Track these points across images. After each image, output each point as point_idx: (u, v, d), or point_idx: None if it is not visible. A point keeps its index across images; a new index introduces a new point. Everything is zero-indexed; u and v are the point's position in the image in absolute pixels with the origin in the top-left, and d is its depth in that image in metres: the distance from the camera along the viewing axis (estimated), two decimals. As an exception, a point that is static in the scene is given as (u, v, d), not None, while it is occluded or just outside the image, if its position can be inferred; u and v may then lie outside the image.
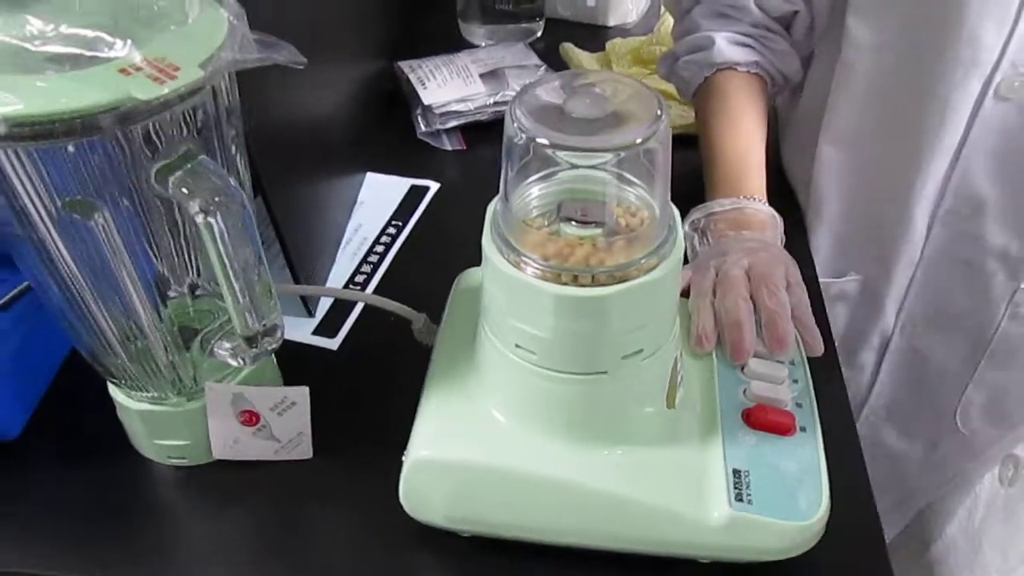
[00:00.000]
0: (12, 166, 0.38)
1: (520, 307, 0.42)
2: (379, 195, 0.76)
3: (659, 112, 0.38)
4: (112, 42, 0.38)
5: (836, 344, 0.63)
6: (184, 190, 0.39)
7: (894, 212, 0.68)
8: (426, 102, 0.82)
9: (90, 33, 0.38)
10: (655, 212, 0.41)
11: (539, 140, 0.38)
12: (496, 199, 0.44)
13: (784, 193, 0.75)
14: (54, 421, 0.57)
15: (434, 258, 0.70)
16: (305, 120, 0.68)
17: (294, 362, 0.58)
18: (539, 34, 1.00)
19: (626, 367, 0.43)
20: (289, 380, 0.58)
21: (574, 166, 0.41)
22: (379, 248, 0.71)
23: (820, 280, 0.68)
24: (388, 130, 0.85)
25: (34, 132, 0.35)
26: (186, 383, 0.50)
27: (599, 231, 0.41)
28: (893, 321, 0.75)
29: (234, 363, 0.47)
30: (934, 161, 0.64)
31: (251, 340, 0.44)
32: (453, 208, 0.76)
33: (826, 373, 0.55)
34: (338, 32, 0.76)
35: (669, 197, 0.41)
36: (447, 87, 0.83)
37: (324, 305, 0.66)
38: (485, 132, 0.84)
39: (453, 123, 0.83)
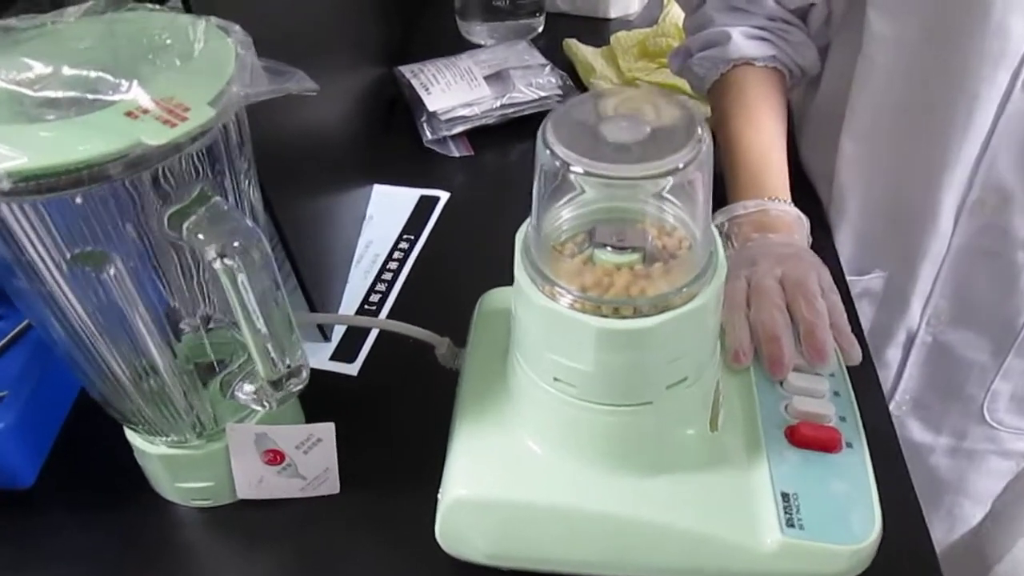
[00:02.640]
0: (17, 220, 0.35)
1: (558, 340, 0.40)
2: (388, 208, 0.74)
3: (700, 131, 0.36)
4: (116, 83, 0.36)
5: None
6: (200, 236, 0.37)
7: (919, 206, 0.66)
8: (431, 108, 0.80)
9: (92, 74, 0.36)
10: (696, 237, 0.39)
11: (574, 168, 0.36)
12: (526, 224, 0.42)
13: (804, 189, 0.73)
14: (70, 466, 0.55)
15: (450, 272, 0.68)
16: (308, 134, 0.66)
17: (313, 390, 0.56)
18: (540, 30, 0.98)
19: (670, 396, 0.41)
20: (309, 409, 0.56)
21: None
22: (392, 264, 0.69)
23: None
24: (392, 139, 0.83)
25: (39, 186, 0.33)
26: (206, 425, 0.48)
27: (637, 256, 0.39)
28: (919, 316, 0.73)
29: (258, 408, 0.45)
30: (961, 154, 0.62)
31: (276, 383, 0.42)
32: (465, 218, 0.74)
33: (862, 378, 0.53)
34: (334, 39, 0.74)
35: (711, 219, 0.39)
36: (451, 91, 0.81)
37: (340, 328, 0.64)
38: (492, 136, 0.82)
39: (459, 128, 0.80)
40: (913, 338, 0.74)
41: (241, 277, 0.37)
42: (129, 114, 0.35)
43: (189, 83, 0.37)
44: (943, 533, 0.85)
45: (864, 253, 0.72)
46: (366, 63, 0.82)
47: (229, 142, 0.40)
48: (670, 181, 0.36)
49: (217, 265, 0.36)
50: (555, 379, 0.41)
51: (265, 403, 0.44)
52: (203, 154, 0.38)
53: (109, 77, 0.36)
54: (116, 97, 0.35)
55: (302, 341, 0.43)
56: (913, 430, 0.80)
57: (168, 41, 0.39)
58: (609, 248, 0.40)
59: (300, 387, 0.43)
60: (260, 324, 0.38)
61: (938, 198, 0.65)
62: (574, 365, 0.40)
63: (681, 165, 0.36)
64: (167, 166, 0.37)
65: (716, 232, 0.41)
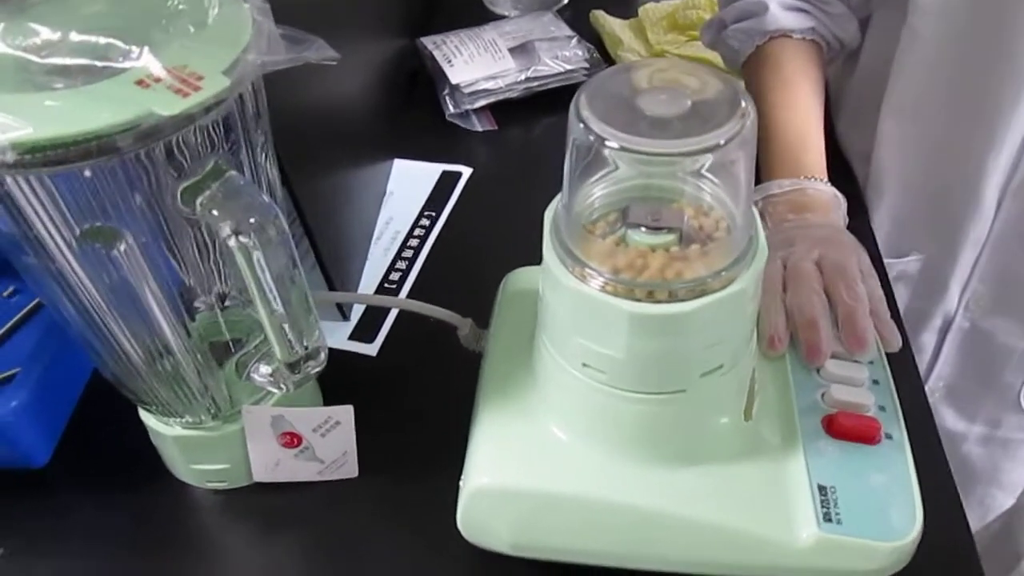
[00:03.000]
0: (24, 194, 0.34)
1: (588, 325, 0.38)
2: (409, 184, 0.72)
3: (744, 105, 0.34)
4: (127, 49, 0.34)
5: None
6: (214, 212, 0.35)
7: (962, 187, 0.63)
8: (454, 81, 0.77)
9: (102, 40, 0.34)
10: (735, 218, 0.37)
11: (609, 144, 0.34)
12: (556, 201, 0.40)
13: (840, 167, 0.71)
14: (84, 445, 0.54)
15: (473, 251, 0.66)
16: (327, 107, 0.64)
17: (332, 370, 0.55)
18: (566, 1, 0.95)
19: (705, 384, 0.39)
20: (327, 390, 0.55)
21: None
22: (413, 242, 0.67)
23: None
24: (414, 112, 0.81)
25: (46, 158, 0.32)
26: (221, 406, 0.47)
27: (673, 238, 0.37)
28: (957, 301, 0.70)
29: (275, 390, 0.43)
30: (1008, 132, 0.59)
31: (293, 366, 0.41)
32: (488, 195, 0.72)
33: (899, 364, 0.51)
34: (354, 9, 0.72)
35: (752, 200, 0.37)
36: (475, 64, 0.78)
37: (359, 307, 0.62)
38: (516, 110, 0.79)
39: (482, 102, 0.78)
40: (950, 323, 0.72)
41: (257, 255, 0.35)
42: (140, 83, 0.33)
43: (203, 51, 0.35)
44: (975, 523, 0.82)
45: (902, 235, 0.69)
46: (387, 34, 0.80)
47: (245, 113, 0.38)
48: (710, 159, 0.34)
49: (232, 243, 0.35)
50: (584, 365, 0.39)
51: (282, 385, 0.43)
52: (217, 126, 0.36)
53: (120, 44, 0.34)
54: (127, 64, 0.34)
55: (320, 321, 0.41)
56: (946, 417, 0.78)
57: (181, 7, 0.37)
58: (643, 228, 0.37)
59: (318, 369, 0.42)
60: (276, 304, 0.36)
61: (981, 179, 0.62)
62: (605, 351, 0.38)
63: (723, 141, 0.34)
64: (180, 138, 0.35)
65: (756, 213, 0.39)
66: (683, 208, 0.38)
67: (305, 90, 0.58)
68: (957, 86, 0.60)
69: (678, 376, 0.39)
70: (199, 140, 0.36)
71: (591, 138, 0.34)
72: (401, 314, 0.61)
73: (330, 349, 0.59)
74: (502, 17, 0.90)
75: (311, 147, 0.58)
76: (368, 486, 0.51)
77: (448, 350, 0.53)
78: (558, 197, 0.39)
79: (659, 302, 0.36)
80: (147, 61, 0.34)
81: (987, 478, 0.80)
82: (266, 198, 0.36)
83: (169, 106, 0.32)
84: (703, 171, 0.37)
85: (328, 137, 0.63)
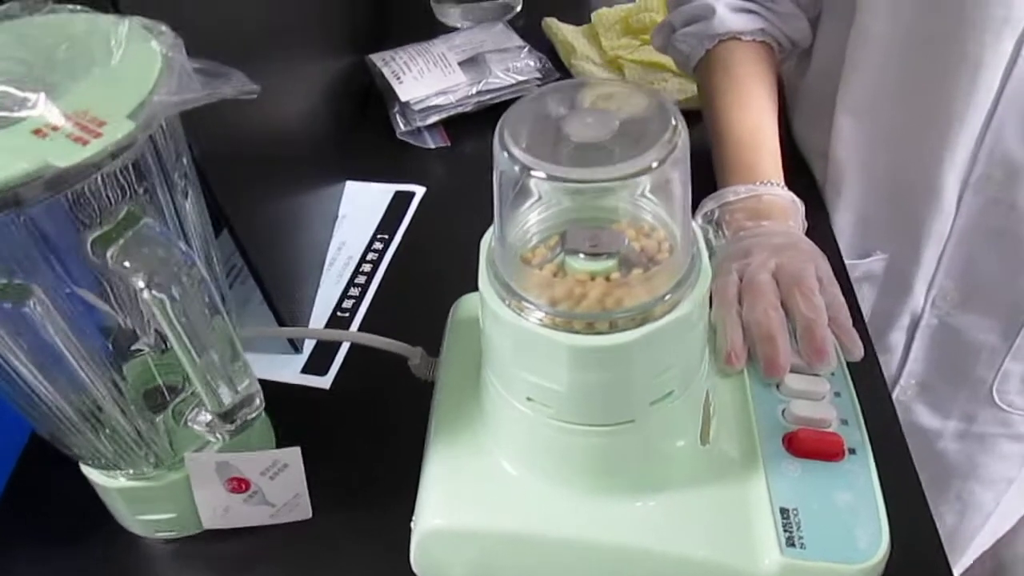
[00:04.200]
0: (-80, 256, 0.32)
1: (529, 359, 0.36)
2: (362, 206, 0.71)
3: (674, 122, 0.33)
4: (23, 98, 0.32)
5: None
6: (126, 263, 0.33)
7: (922, 183, 0.62)
8: (403, 98, 0.76)
9: (-2, 88, 0.33)
10: (676, 238, 0.36)
11: (535, 174, 0.32)
12: (490, 232, 0.38)
13: (798, 168, 0.69)
14: (27, 498, 0.52)
15: (428, 273, 0.65)
16: (269, 132, 0.62)
17: (285, 405, 0.53)
18: (518, 9, 0.93)
19: (656, 412, 0.38)
20: (280, 426, 0.53)
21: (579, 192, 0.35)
22: (366, 267, 0.65)
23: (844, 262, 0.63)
24: (364, 132, 0.79)
25: (-62, 218, 0.30)
26: (162, 456, 0.45)
27: (612, 263, 0.36)
28: (923, 298, 0.69)
29: (212, 439, 0.41)
30: (965, 126, 0.58)
31: (226, 415, 0.39)
32: (442, 214, 0.70)
33: (863, 373, 0.50)
34: (300, 26, 0.70)
35: (691, 217, 0.36)
36: (425, 79, 0.77)
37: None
38: (469, 125, 0.78)
39: (434, 118, 0.77)
40: (918, 321, 0.71)
41: (172, 305, 0.33)
42: (37, 132, 0.31)
43: (106, 94, 0.33)
44: (954, 519, 0.82)
45: (864, 235, 0.68)
46: (333, 52, 0.78)
47: (160, 156, 0.36)
48: (645, 182, 0.33)
49: (146, 295, 0.33)
50: (529, 399, 0.38)
51: (218, 435, 0.41)
52: (128, 171, 0.34)
53: (15, 92, 0.32)
54: (23, 114, 0.32)
55: (266, 351, 0.39)
56: (921, 415, 0.77)
57: (85, 48, 0.35)
58: (582, 255, 0.36)
59: (254, 416, 0.40)
60: (195, 355, 0.35)
61: (941, 174, 0.61)
62: (547, 385, 0.36)
63: (656, 163, 0.32)
64: (86, 187, 0.33)
65: (698, 231, 0.37)
66: (623, 230, 0.37)
67: (242, 119, 0.56)
68: (910, 82, 0.59)
69: (625, 407, 0.37)
70: (108, 187, 0.34)
71: (516, 169, 0.33)
72: (354, 344, 0.59)
73: (283, 384, 0.58)
74: (454, 29, 0.89)
75: (252, 178, 0.56)
76: (323, 526, 0.49)
77: (403, 380, 0.51)
78: (491, 228, 0.37)
79: (599, 333, 0.34)
80: (44, 109, 0.32)
81: (964, 473, 0.79)
82: (183, 246, 0.34)
83: (67, 156, 0.31)
84: (641, 193, 0.35)
85: (271, 165, 0.61)
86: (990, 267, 0.65)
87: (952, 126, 0.59)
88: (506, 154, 0.33)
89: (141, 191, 0.35)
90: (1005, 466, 0.77)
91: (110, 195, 0.34)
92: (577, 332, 0.34)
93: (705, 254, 0.37)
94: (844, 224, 0.67)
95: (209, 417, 0.41)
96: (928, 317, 0.70)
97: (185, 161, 0.39)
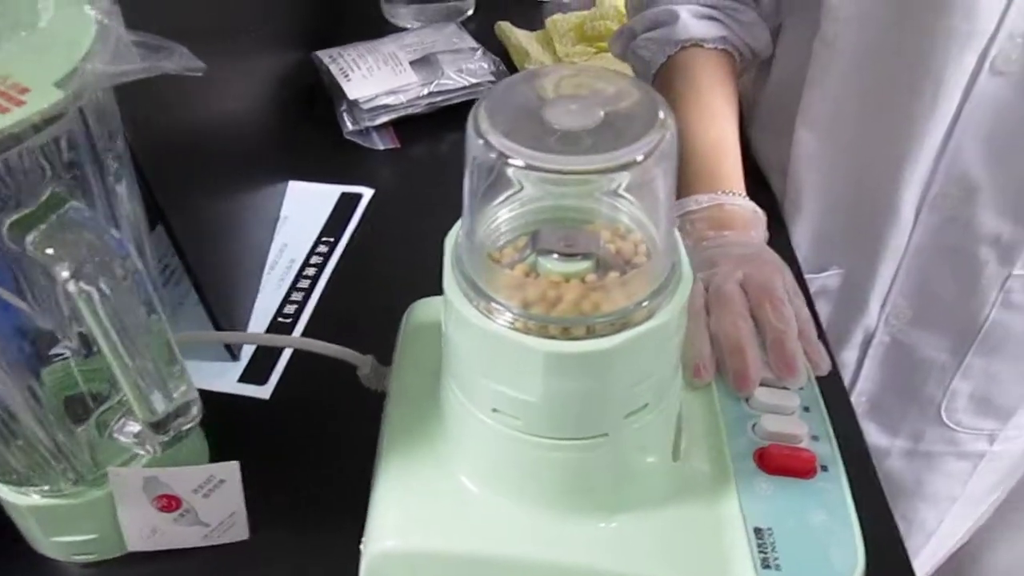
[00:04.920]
0: None
1: (497, 366, 0.34)
2: (305, 207, 0.67)
3: (662, 116, 0.31)
4: (-66, 60, 0.28)
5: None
6: (49, 250, 0.29)
7: (880, 199, 0.62)
8: (352, 96, 0.72)
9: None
10: (656, 241, 0.33)
11: (513, 162, 0.30)
12: (457, 228, 0.36)
13: (757, 180, 0.69)
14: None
15: (375, 279, 0.62)
16: (210, 125, 0.58)
17: (220, 417, 0.49)
18: (470, 12, 0.91)
19: (630, 425, 0.35)
20: (215, 440, 0.49)
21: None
22: (310, 271, 0.62)
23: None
24: (310, 131, 0.75)
25: None
26: (82, 471, 0.41)
27: (588, 265, 0.33)
28: (877, 315, 0.69)
29: (141, 452, 0.37)
30: (924, 142, 0.58)
31: (158, 425, 0.35)
32: (391, 217, 0.67)
33: (828, 388, 0.48)
34: (244, 20, 0.66)
35: (674, 220, 0.34)
36: (374, 78, 0.74)
37: (250, 345, 0.56)
38: (420, 127, 0.75)
39: (384, 119, 0.73)
40: (871, 338, 0.71)
41: (101, 299, 0.29)
42: (-51, 98, 0.28)
43: (31, 59, 0.30)
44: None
45: (821, 249, 0.67)
46: (280, 47, 0.75)
47: (91, 133, 0.33)
48: (628, 176, 0.31)
49: (71, 287, 0.29)
50: (494, 410, 0.35)
51: (148, 447, 0.37)
52: (54, 146, 0.31)
53: (-75, 53, 0.28)
54: (-67, 77, 0.28)
55: (203, 358, 0.36)
56: (869, 433, 0.76)
57: (9, 6, 0.32)
58: (556, 255, 0.33)
59: (189, 426, 0.36)
60: (127, 358, 0.31)
61: (899, 191, 0.61)
62: (517, 395, 0.34)
63: (641, 157, 0.30)
64: (5, 161, 0.29)
65: (679, 235, 0.35)
66: (598, 231, 0.34)
67: (183, 108, 0.52)
68: (871, 97, 0.59)
69: (600, 419, 0.35)
70: (29, 164, 0.30)
71: (492, 156, 0.30)
72: (296, 352, 0.56)
73: (219, 393, 0.54)
74: (404, 29, 0.86)
75: (191, 171, 0.52)
76: (261, 548, 0.46)
77: (350, 390, 0.48)
78: (459, 223, 0.34)
79: (576, 339, 0.32)
80: (-42, 72, 0.28)
81: (910, 492, 0.79)
82: (116, 234, 0.31)
83: (-17, 125, 0.27)
84: (620, 190, 0.33)
85: (212, 159, 0.57)
86: (944, 285, 0.65)
87: (913, 142, 0.58)
88: (481, 140, 0.30)
89: (68, 171, 0.32)
90: (950, 484, 0.77)
91: (31, 174, 0.30)
92: (553, 337, 0.32)
93: (686, 261, 0.35)
94: (801, 238, 0.66)
95: (138, 427, 0.38)
96: (881, 334, 0.70)
97: (119, 143, 0.35)
